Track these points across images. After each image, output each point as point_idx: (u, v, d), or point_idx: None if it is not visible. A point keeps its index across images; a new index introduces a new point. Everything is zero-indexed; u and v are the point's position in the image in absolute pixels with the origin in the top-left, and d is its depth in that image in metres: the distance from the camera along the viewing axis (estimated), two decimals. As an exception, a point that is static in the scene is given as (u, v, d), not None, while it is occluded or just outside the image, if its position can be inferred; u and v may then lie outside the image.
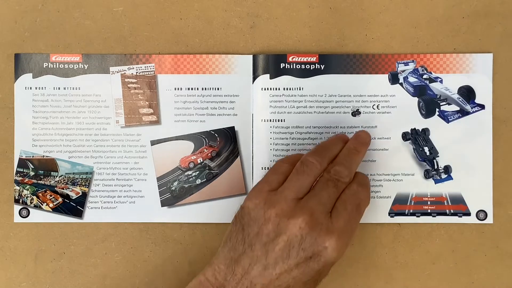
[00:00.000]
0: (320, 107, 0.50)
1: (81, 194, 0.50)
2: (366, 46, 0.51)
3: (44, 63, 0.50)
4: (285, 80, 0.50)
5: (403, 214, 0.50)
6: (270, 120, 0.50)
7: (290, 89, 0.50)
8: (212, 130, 0.51)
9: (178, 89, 0.51)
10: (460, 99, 0.49)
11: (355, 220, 0.42)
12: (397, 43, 0.51)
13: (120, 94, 0.50)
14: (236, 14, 0.51)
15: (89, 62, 0.50)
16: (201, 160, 0.51)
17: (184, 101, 0.51)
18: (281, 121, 0.50)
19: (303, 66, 0.50)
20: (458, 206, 0.50)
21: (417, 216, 0.50)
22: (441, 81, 0.50)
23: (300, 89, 0.50)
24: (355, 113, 0.50)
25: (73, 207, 0.50)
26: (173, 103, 0.51)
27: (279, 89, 0.50)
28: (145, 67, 0.50)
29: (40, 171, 0.50)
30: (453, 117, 0.50)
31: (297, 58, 0.50)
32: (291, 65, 0.50)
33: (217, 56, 0.50)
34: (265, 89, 0.50)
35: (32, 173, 0.50)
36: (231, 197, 0.50)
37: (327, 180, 0.42)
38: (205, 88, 0.51)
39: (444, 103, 0.50)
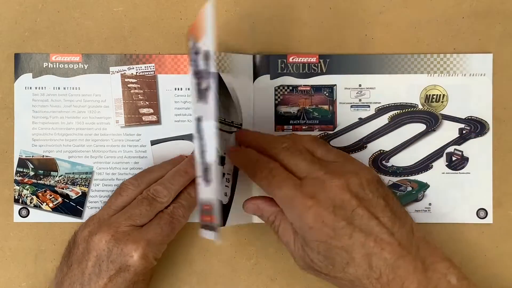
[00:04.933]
0: (320, 107, 0.51)
1: (81, 194, 0.50)
2: (366, 46, 0.51)
3: (44, 63, 0.50)
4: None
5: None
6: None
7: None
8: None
9: (178, 89, 0.51)
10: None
11: (167, 235, 0.45)
12: (397, 43, 0.51)
13: (120, 94, 0.50)
14: (236, 14, 0.51)
15: (89, 62, 0.50)
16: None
17: (184, 101, 0.51)
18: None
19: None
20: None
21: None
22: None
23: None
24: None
25: (73, 207, 0.50)
26: (173, 103, 0.51)
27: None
28: (145, 67, 0.50)
29: (40, 171, 0.50)
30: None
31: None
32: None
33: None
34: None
35: (32, 173, 0.50)
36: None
37: (143, 198, 0.45)
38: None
39: None
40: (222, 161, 0.49)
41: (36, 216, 0.50)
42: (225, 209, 0.48)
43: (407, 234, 0.39)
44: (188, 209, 0.46)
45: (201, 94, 0.35)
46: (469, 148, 0.50)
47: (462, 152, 0.50)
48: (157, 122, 0.51)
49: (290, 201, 0.40)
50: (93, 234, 0.43)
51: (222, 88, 0.50)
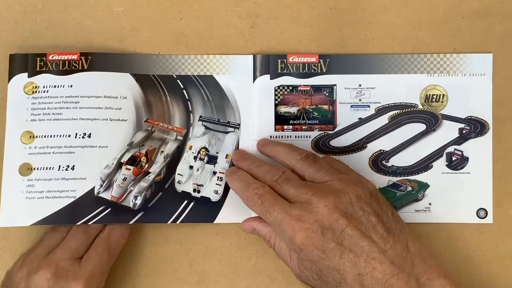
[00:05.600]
0: (320, 107, 0.51)
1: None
2: (366, 46, 0.51)
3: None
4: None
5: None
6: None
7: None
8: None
9: None
10: None
11: (106, 262, 0.45)
12: (397, 43, 0.51)
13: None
14: (236, 14, 0.51)
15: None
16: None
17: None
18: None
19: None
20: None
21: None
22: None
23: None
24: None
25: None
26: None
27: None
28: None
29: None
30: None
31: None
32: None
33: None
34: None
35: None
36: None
37: (77, 228, 0.46)
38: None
39: None
40: (214, 160, 0.50)
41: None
42: (215, 206, 0.49)
43: (401, 250, 0.39)
44: (126, 228, 0.47)
45: None
46: (469, 148, 0.50)
47: (462, 152, 0.50)
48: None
49: (279, 224, 0.41)
50: (33, 273, 0.43)
51: (216, 90, 0.50)
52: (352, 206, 0.40)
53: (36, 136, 0.49)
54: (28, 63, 0.50)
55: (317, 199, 0.40)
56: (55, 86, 0.49)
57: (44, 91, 0.49)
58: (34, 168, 0.49)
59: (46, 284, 0.42)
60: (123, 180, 0.49)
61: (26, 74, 0.50)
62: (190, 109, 0.51)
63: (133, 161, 0.50)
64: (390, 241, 0.39)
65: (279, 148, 0.47)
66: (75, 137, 0.49)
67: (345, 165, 0.46)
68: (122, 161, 0.49)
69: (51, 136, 0.49)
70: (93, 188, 0.49)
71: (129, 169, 0.49)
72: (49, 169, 0.49)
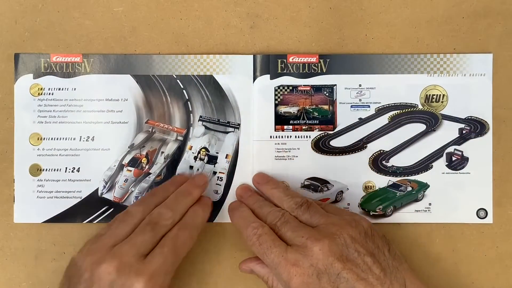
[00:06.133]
0: (320, 107, 0.51)
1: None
2: (366, 46, 0.51)
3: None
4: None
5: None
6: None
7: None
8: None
9: None
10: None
11: (172, 263, 0.43)
12: (397, 43, 0.51)
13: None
14: (236, 14, 0.51)
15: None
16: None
17: (184, 101, 0.51)
18: (281, 121, 0.50)
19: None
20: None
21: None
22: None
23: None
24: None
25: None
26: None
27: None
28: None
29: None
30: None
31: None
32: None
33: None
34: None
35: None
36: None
37: (146, 224, 0.44)
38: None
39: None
40: (214, 160, 0.50)
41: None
42: (215, 206, 0.50)
43: None
44: (195, 230, 0.46)
45: None
46: (469, 148, 0.50)
47: (462, 152, 0.50)
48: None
49: (276, 267, 0.41)
50: (97, 264, 0.41)
51: (216, 90, 0.50)
52: (347, 248, 0.40)
53: (44, 138, 0.50)
54: (33, 64, 0.50)
55: (312, 242, 0.41)
56: (59, 89, 0.50)
57: (50, 93, 0.50)
58: (43, 169, 0.50)
59: (108, 277, 0.41)
60: (124, 181, 0.50)
61: (31, 75, 0.50)
62: (190, 109, 0.51)
63: (134, 162, 0.50)
64: (387, 282, 0.40)
65: (275, 192, 0.47)
66: (80, 140, 0.50)
67: (336, 207, 0.47)
68: (123, 163, 0.50)
69: (57, 138, 0.50)
70: (97, 189, 0.50)
71: (130, 171, 0.50)
72: (57, 170, 0.50)
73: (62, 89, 0.50)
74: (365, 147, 0.51)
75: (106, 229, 0.44)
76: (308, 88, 0.51)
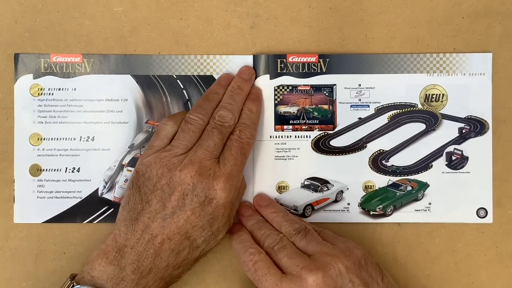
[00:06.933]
0: (320, 107, 0.51)
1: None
2: (366, 46, 0.51)
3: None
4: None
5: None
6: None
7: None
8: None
9: None
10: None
11: (241, 162, 0.45)
12: (397, 43, 0.51)
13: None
14: (236, 14, 0.51)
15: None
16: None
17: (184, 101, 0.51)
18: (281, 121, 0.50)
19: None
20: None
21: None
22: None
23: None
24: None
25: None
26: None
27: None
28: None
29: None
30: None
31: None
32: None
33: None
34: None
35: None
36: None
37: (212, 128, 0.45)
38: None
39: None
40: None
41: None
42: None
43: None
44: (253, 127, 0.48)
45: None
46: (469, 147, 0.50)
47: (462, 151, 0.50)
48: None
49: None
50: (176, 170, 0.43)
51: None
52: (341, 278, 0.41)
53: (44, 139, 0.50)
54: (33, 64, 0.50)
55: (306, 273, 0.41)
56: (59, 89, 0.50)
57: (50, 94, 0.50)
58: (43, 170, 0.50)
59: (191, 181, 0.43)
60: (124, 181, 0.50)
61: (31, 75, 0.50)
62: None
63: (134, 162, 0.50)
64: None
65: (275, 217, 0.47)
66: (80, 140, 0.50)
67: (333, 234, 0.47)
68: (123, 163, 0.50)
69: (57, 139, 0.50)
70: (97, 189, 0.50)
71: (130, 171, 0.50)
72: (57, 170, 0.50)
73: (62, 89, 0.50)
74: (365, 146, 0.51)
75: (155, 142, 0.46)
76: (308, 88, 0.51)
